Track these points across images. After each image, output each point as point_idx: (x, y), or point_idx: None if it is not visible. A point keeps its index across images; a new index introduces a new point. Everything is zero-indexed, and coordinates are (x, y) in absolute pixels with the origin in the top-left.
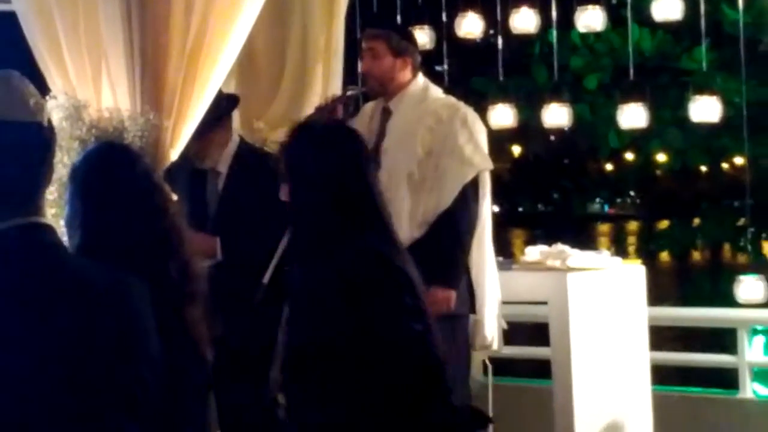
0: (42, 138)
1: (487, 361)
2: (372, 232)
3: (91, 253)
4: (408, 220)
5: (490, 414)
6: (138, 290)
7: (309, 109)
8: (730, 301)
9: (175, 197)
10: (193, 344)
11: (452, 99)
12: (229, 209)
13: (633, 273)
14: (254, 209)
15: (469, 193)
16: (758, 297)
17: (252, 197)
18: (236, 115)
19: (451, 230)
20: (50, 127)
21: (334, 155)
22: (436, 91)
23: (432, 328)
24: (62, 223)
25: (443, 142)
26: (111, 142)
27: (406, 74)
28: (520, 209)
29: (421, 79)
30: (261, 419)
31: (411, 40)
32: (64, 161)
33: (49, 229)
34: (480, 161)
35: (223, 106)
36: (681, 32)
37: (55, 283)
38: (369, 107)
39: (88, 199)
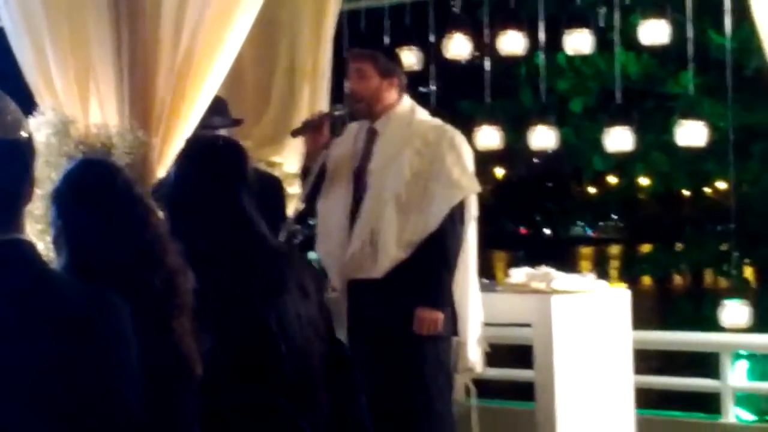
0: (18, 155)
1: (470, 384)
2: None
3: (78, 270)
4: (395, 241)
5: None
6: (118, 308)
7: None
8: (712, 325)
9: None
10: (182, 358)
11: (439, 121)
12: None
13: (618, 297)
14: None
15: (456, 215)
16: (742, 321)
17: None
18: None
19: (438, 252)
20: (29, 144)
21: (202, 170)
22: (423, 113)
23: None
24: (49, 239)
25: (431, 165)
26: (89, 158)
27: (393, 95)
28: (503, 230)
29: (407, 100)
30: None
31: (397, 61)
32: (51, 177)
33: (28, 246)
34: (467, 184)
35: (225, 121)
36: (667, 56)
37: (30, 302)
38: (354, 128)
39: (70, 217)
